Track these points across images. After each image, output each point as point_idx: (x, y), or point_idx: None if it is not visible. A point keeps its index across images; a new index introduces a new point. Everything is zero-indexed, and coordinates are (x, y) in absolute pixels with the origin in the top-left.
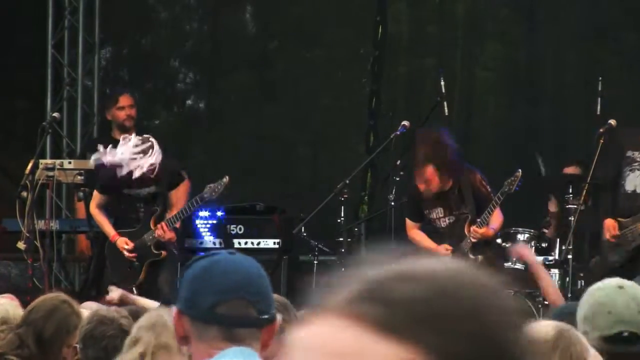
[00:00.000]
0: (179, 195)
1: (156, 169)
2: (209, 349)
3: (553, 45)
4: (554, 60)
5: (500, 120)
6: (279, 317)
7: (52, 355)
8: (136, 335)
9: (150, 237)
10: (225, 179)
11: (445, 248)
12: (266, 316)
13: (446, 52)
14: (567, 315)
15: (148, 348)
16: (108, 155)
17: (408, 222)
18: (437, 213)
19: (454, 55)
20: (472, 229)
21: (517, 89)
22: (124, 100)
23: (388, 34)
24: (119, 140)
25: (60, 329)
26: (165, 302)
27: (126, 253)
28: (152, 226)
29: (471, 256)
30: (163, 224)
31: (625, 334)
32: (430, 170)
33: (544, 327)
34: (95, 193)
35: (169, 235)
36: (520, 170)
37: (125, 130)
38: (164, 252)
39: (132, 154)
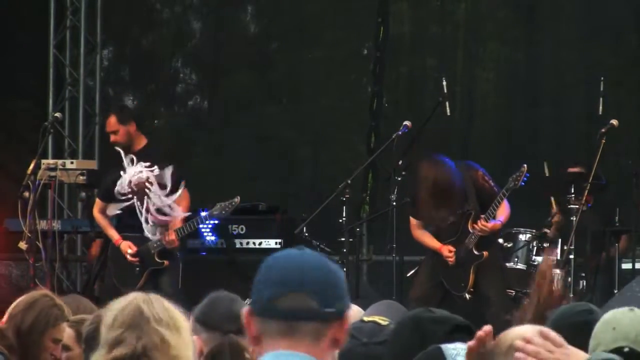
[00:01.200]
0: (181, 201)
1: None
2: (271, 345)
3: (553, 45)
4: (554, 60)
5: (500, 120)
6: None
7: (32, 347)
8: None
9: (155, 245)
10: (237, 199)
11: (448, 249)
12: (331, 309)
13: (447, 53)
14: (565, 318)
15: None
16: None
17: (412, 220)
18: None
19: (454, 56)
20: (479, 222)
21: (518, 89)
22: (107, 125)
23: (389, 34)
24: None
25: (38, 321)
26: None
27: (129, 257)
28: (157, 234)
29: (475, 253)
30: (172, 231)
31: (626, 349)
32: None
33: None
34: (98, 200)
35: (176, 243)
36: (525, 165)
37: (125, 151)
38: (166, 262)
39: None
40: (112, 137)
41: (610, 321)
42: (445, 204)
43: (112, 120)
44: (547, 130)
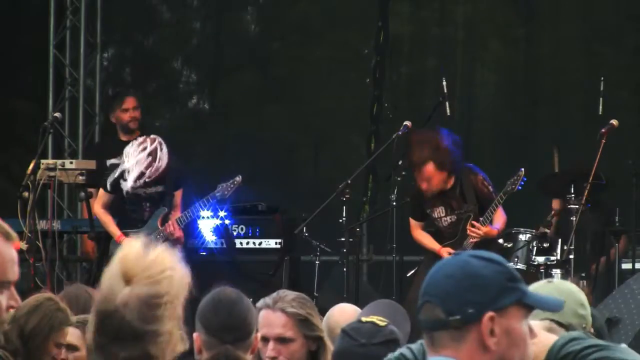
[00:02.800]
0: (181, 197)
1: (165, 169)
2: (430, 354)
3: (553, 45)
4: (554, 60)
5: (500, 120)
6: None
7: (36, 351)
8: None
9: (158, 237)
10: (238, 178)
11: (447, 252)
12: (457, 317)
13: (447, 53)
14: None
15: None
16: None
17: (412, 221)
18: (439, 212)
19: (454, 56)
20: (470, 226)
21: (518, 89)
22: (129, 102)
23: (390, 35)
24: (123, 142)
25: (42, 324)
26: None
27: None
28: (159, 226)
29: None
30: (173, 221)
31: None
32: (429, 169)
33: None
34: (101, 192)
35: (179, 233)
36: (522, 169)
37: (129, 132)
38: None
39: (144, 161)
40: (132, 113)
41: None
42: (437, 159)
43: (135, 99)
44: (547, 130)
